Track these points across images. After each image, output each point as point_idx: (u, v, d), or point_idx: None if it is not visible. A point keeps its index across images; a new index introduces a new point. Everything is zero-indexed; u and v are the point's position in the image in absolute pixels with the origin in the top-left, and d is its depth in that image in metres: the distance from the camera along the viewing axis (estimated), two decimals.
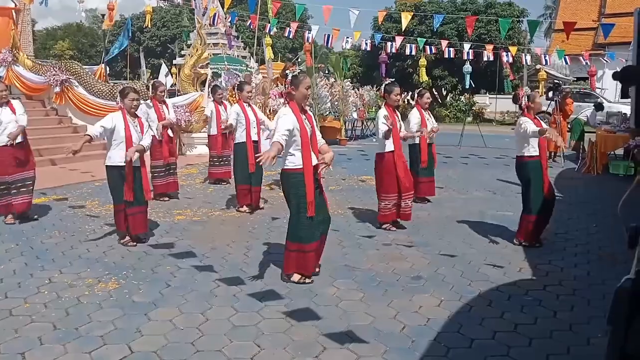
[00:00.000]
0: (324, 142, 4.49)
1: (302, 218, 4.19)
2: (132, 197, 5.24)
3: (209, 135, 9.22)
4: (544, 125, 5.47)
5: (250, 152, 6.90)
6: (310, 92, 4.35)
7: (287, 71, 4.53)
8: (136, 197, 5.29)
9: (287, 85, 4.27)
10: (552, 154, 12.39)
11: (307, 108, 4.46)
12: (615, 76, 1.81)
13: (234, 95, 12.48)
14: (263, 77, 15.25)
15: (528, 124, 5.31)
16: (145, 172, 5.43)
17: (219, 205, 7.38)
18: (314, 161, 4.22)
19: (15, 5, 14.74)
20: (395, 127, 5.84)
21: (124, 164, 5.17)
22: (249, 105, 7.13)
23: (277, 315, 3.73)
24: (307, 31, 17.12)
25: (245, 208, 7.02)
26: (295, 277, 4.35)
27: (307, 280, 4.34)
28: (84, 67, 14.57)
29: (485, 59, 16.99)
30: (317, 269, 4.54)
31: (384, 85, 6.04)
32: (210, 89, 9.33)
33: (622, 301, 1.82)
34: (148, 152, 5.58)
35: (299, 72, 4.31)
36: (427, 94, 7.58)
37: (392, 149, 5.86)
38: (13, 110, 6.17)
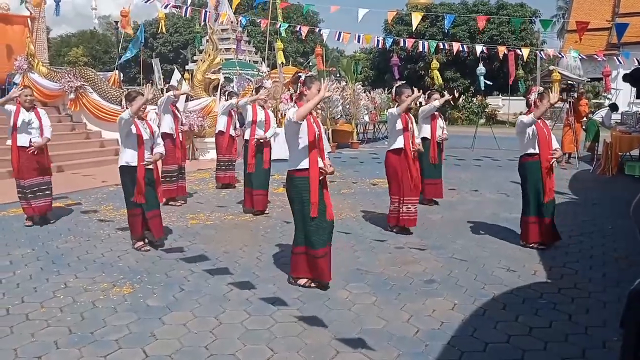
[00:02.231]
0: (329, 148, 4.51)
1: (308, 221, 4.16)
2: (143, 200, 5.25)
3: (215, 135, 9.12)
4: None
5: (251, 152, 6.94)
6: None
7: (300, 73, 4.54)
8: (149, 201, 5.32)
9: (299, 86, 4.28)
10: (568, 155, 12.28)
11: (317, 112, 4.47)
12: (626, 78, 1.80)
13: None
14: (274, 81, 15.30)
15: (522, 117, 5.34)
16: (157, 176, 5.50)
17: (231, 209, 7.41)
18: (320, 164, 4.20)
19: (31, 13, 14.96)
20: (407, 129, 5.84)
21: (136, 164, 5.20)
22: (263, 107, 7.18)
23: (290, 319, 3.74)
24: (317, 28, 17.09)
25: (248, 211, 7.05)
26: (302, 281, 4.35)
27: (313, 285, 4.32)
28: (98, 73, 14.74)
29: (500, 56, 16.86)
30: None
31: (394, 87, 6.03)
32: (227, 94, 9.44)
33: (635, 304, 1.80)
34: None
35: (310, 75, 4.38)
36: (436, 95, 7.57)
37: (401, 146, 5.81)
38: (38, 117, 6.35)
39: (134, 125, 5.20)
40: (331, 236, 4.32)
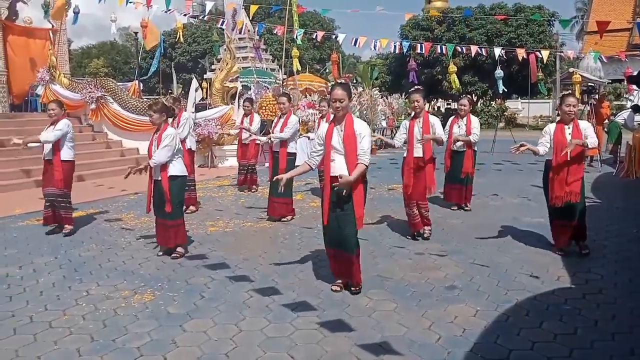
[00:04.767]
0: (362, 154, 4.40)
1: (321, 223, 4.48)
2: (150, 209, 5.48)
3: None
4: (588, 138, 5.30)
5: (270, 161, 7.38)
6: (339, 104, 4.17)
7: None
8: (158, 209, 5.44)
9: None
10: (590, 158, 12.09)
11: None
12: (632, 79, 1.76)
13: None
14: (291, 88, 15.37)
15: (542, 139, 5.61)
16: (165, 185, 5.27)
17: (250, 216, 7.43)
18: (339, 171, 4.28)
19: (53, 26, 15.28)
20: (411, 134, 5.90)
21: (157, 178, 5.35)
22: (280, 117, 7.18)
23: (310, 326, 3.72)
24: (334, 35, 17.14)
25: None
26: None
27: (333, 288, 4.41)
28: (118, 83, 14.95)
29: (520, 58, 16.70)
30: (356, 288, 4.36)
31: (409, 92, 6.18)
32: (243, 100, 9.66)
33: None
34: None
35: (333, 84, 4.42)
36: (463, 101, 7.66)
37: (404, 154, 6.09)
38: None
39: (150, 140, 5.41)
40: (337, 245, 4.39)
